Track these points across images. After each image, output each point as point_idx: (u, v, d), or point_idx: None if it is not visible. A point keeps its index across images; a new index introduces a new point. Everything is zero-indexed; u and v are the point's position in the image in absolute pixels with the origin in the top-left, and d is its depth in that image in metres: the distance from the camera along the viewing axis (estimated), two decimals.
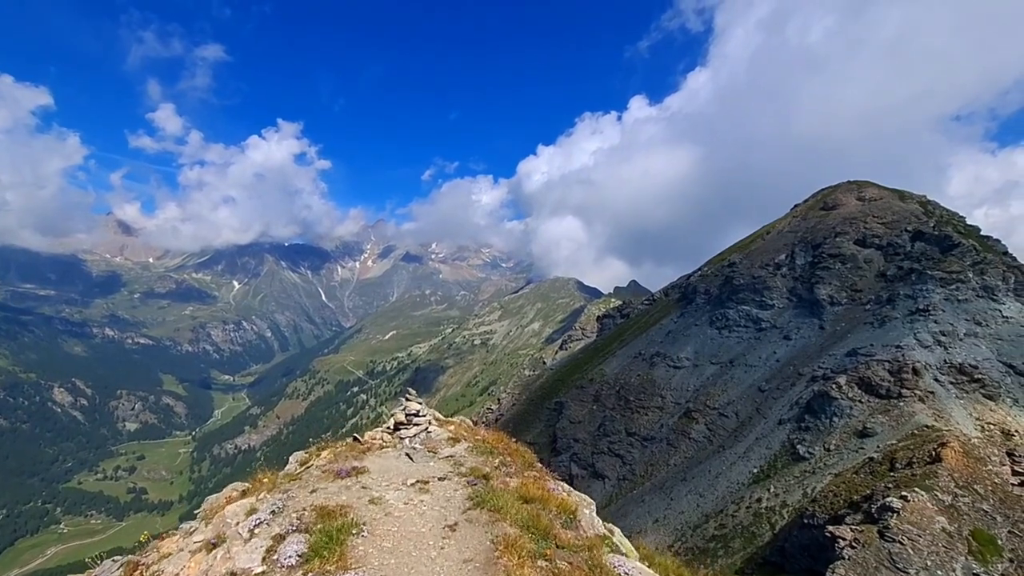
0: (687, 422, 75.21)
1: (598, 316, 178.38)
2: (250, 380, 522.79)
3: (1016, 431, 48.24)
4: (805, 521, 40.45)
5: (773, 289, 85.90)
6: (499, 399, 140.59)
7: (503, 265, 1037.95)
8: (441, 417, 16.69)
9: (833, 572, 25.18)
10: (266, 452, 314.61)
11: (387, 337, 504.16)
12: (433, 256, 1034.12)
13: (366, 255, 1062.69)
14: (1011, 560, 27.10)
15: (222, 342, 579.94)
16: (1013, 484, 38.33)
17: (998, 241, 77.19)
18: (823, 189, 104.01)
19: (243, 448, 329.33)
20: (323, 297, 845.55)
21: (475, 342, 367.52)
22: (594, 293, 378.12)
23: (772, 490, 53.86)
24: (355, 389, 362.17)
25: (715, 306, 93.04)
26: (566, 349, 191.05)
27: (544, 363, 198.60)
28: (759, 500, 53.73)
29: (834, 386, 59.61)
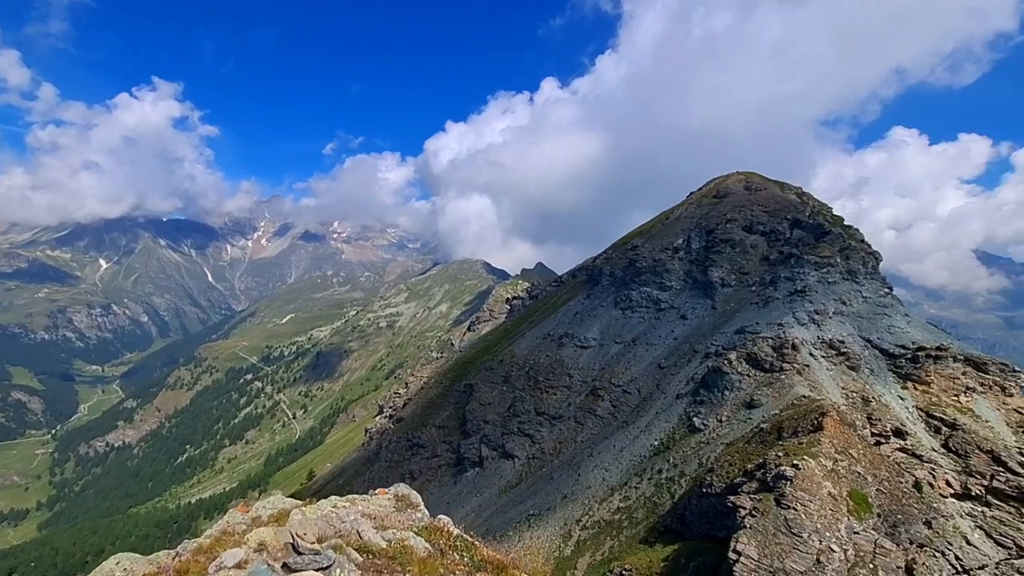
0: (593, 400, 77.63)
1: (507, 298, 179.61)
2: (123, 370, 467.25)
3: (872, 397, 54.74)
4: (703, 490, 42.88)
5: (672, 272, 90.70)
6: (406, 383, 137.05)
7: (410, 246, 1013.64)
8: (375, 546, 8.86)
9: (737, 541, 26.50)
10: (145, 449, 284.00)
11: (284, 321, 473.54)
12: (335, 235, 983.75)
13: (260, 233, 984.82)
14: (878, 515, 30.33)
15: (87, 328, 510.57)
16: (873, 444, 43.37)
17: (857, 230, 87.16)
18: (715, 178, 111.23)
19: (116, 445, 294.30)
20: (210, 278, 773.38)
21: (381, 324, 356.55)
22: (502, 275, 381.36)
23: (671, 461, 57.00)
24: (248, 376, 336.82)
25: (619, 288, 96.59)
26: (475, 331, 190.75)
27: (452, 345, 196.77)
28: (660, 471, 56.63)
29: (725, 362, 64.07)
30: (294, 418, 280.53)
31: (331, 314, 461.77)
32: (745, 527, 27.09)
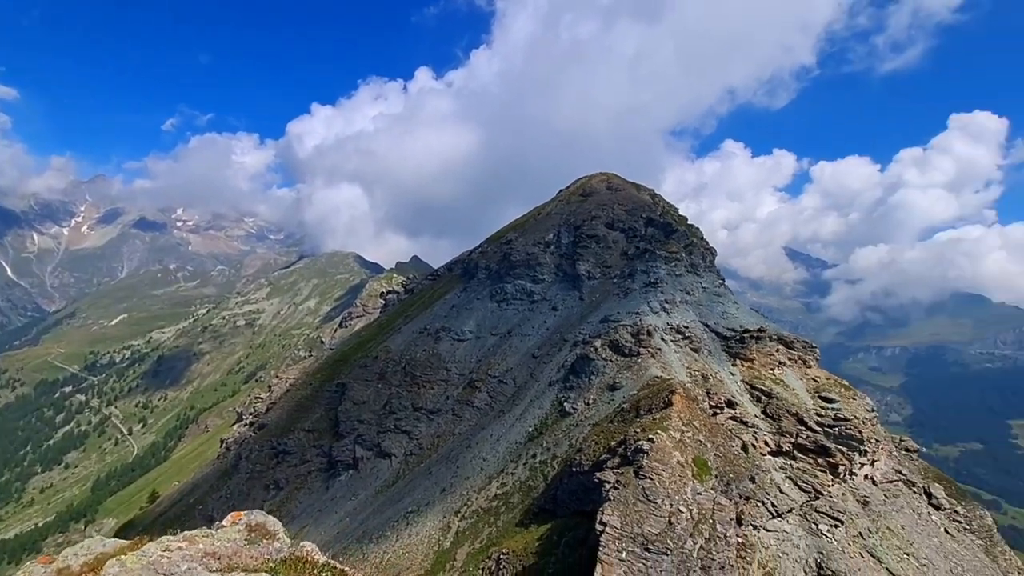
0: (471, 392, 78.93)
1: (381, 292, 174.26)
2: None
3: (710, 375, 62.94)
4: (573, 469, 46.06)
5: (544, 265, 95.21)
6: (270, 386, 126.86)
7: (271, 237, 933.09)
8: None
9: (602, 513, 29.09)
10: None
11: (115, 322, 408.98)
12: (180, 224, 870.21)
13: (79, 219, 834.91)
14: (716, 476, 35.28)
15: None
16: (711, 416, 50.08)
17: (698, 229, 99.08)
18: (581, 178, 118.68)
19: None
20: (9, 272, 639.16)
21: (238, 323, 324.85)
22: (376, 268, 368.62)
23: (544, 445, 60.23)
24: (67, 389, 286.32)
25: (495, 281, 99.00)
26: (347, 327, 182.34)
27: (322, 343, 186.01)
28: (534, 456, 59.54)
29: (592, 349, 69.11)
30: (130, 434, 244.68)
31: (176, 313, 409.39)
32: (609, 499, 29.84)
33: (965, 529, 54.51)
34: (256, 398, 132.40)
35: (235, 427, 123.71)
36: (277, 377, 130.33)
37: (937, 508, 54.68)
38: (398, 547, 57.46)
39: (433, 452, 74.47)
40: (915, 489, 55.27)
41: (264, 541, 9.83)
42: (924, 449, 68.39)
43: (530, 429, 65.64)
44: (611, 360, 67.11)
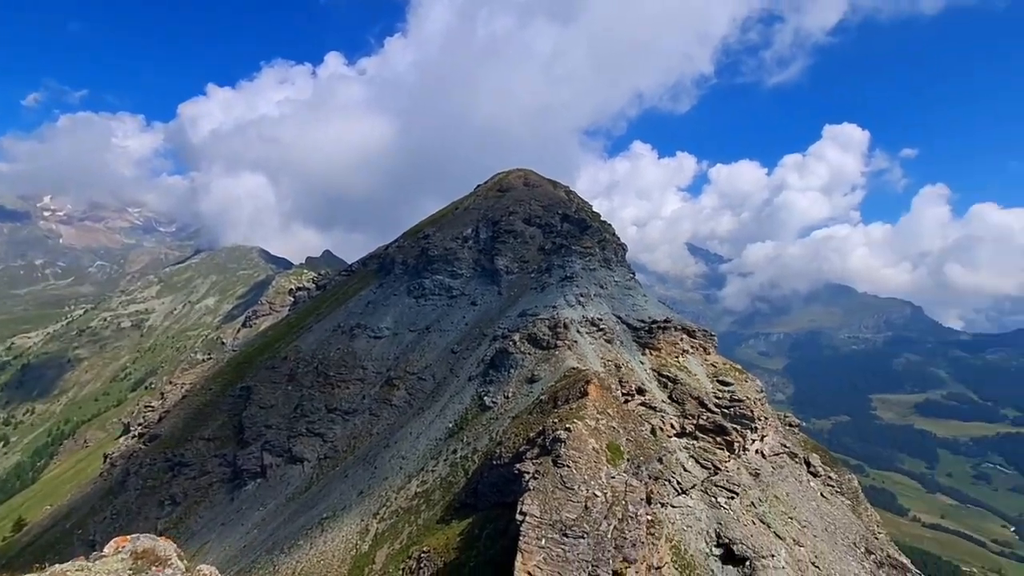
0: (389, 390, 77.13)
1: (290, 289, 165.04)
2: None
3: (622, 364, 66.21)
4: (494, 462, 46.55)
5: (462, 260, 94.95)
6: (162, 392, 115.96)
7: (161, 229, 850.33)
8: None
9: (523, 503, 29.73)
10: None
11: None
12: (47, 214, 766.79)
13: None
14: (628, 460, 37.30)
15: None
16: (623, 403, 52.75)
17: (610, 225, 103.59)
18: (499, 173, 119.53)
19: None
20: None
21: (123, 325, 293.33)
22: (283, 263, 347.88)
23: (465, 440, 60.31)
24: None
25: (412, 276, 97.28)
26: (251, 327, 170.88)
27: (223, 344, 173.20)
28: (455, 451, 59.43)
29: (511, 343, 70.06)
30: None
31: (44, 315, 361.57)
32: (529, 489, 30.56)
33: (837, 492, 61.92)
34: (147, 406, 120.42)
35: (122, 440, 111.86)
36: (171, 383, 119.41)
37: (814, 475, 61.60)
38: (312, 555, 55.03)
39: (349, 454, 71.99)
40: (797, 460, 61.82)
41: (153, 569, 8.92)
42: (804, 424, 76.71)
43: (450, 425, 65.43)
44: (529, 353, 68.42)
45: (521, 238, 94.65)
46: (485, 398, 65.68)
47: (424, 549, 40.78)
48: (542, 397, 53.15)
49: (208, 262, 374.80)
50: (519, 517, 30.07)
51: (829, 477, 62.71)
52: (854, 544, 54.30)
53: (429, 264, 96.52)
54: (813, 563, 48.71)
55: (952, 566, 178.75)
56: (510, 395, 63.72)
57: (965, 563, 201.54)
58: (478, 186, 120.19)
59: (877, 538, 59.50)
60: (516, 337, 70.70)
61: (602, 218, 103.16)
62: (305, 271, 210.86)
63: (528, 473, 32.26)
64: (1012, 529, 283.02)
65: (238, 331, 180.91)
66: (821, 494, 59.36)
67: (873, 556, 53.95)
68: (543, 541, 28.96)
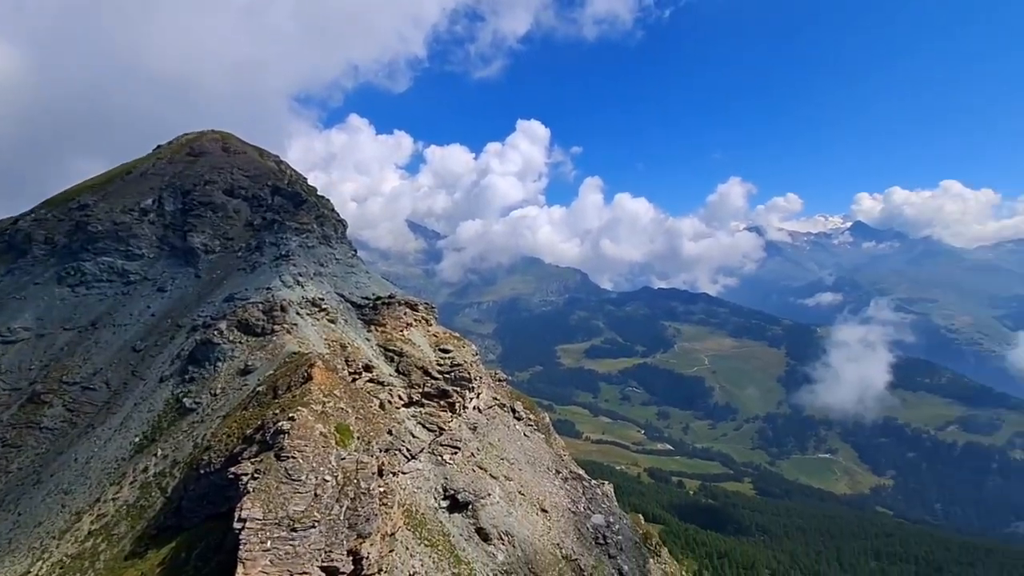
0: (35, 409, 58.22)
1: None
2: None
3: (348, 343, 65.19)
4: (201, 471, 40.43)
5: (141, 237, 77.25)
6: None
7: None
8: None
9: (241, 508, 26.81)
10: None
11: None
12: None
13: None
14: (358, 438, 37.42)
15: None
16: (351, 382, 52.25)
17: (328, 200, 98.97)
18: (188, 134, 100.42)
19: None
20: None
21: None
22: None
23: (160, 453, 50.45)
24: None
25: (64, 258, 74.50)
26: None
27: None
28: (145, 470, 49.20)
29: (216, 332, 61.05)
30: None
31: None
32: (249, 491, 27.77)
33: (535, 430, 74.93)
34: None
35: None
36: None
37: (519, 419, 73.10)
38: None
39: None
40: (505, 409, 72.19)
41: None
42: (509, 377, 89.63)
43: (137, 439, 53.66)
44: (240, 342, 60.95)
45: (223, 212, 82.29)
46: (185, 399, 55.94)
47: None
48: (259, 389, 48.39)
49: None
50: (237, 525, 27.13)
51: (529, 419, 75.26)
52: (548, 468, 67.00)
53: (91, 242, 75.34)
54: (520, 492, 58.29)
55: (608, 467, 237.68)
56: (218, 392, 55.85)
57: (617, 463, 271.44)
58: (159, 147, 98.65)
59: (563, 459, 74.67)
60: (223, 325, 61.97)
61: (319, 192, 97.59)
62: None
63: (246, 474, 29.23)
64: (643, 432, 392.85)
65: None
66: (524, 434, 70.93)
67: (561, 474, 67.66)
68: (268, 543, 26.91)
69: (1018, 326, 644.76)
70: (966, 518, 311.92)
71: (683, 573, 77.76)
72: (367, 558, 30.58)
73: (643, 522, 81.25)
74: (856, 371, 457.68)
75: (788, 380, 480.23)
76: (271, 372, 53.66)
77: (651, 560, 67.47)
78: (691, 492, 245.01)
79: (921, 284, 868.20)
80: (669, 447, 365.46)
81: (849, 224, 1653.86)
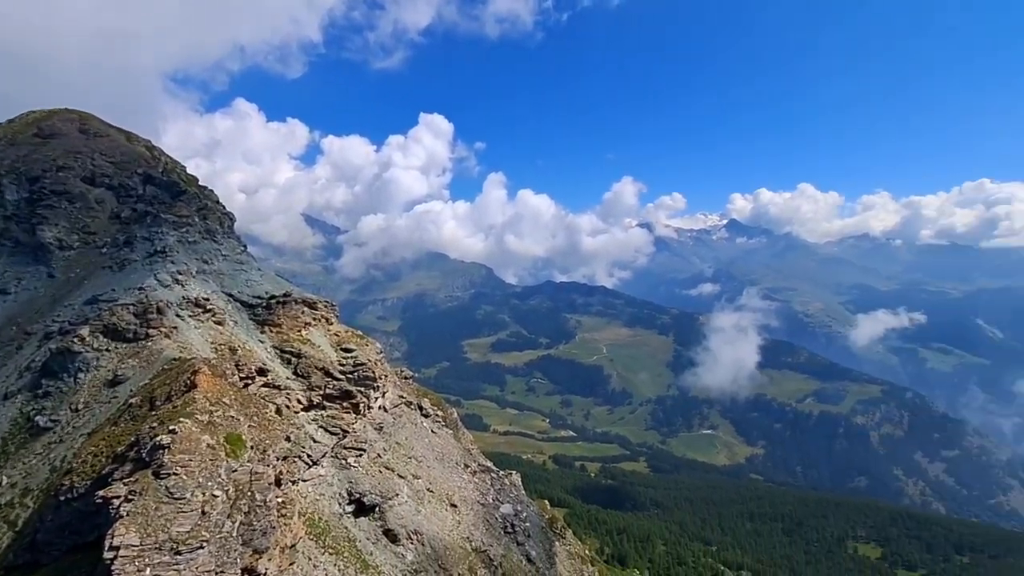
0: None
1: None
2: None
3: (238, 346, 60.46)
4: (61, 498, 35.49)
5: None
6: None
7: None
8: None
9: (112, 536, 23.95)
10: None
11: None
12: None
13: None
14: (252, 447, 34.91)
15: None
16: (243, 387, 48.59)
17: (212, 191, 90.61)
18: (35, 112, 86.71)
19: None
20: None
21: None
22: None
23: (6, 482, 43.57)
24: None
25: None
26: None
27: None
28: None
29: (76, 339, 53.75)
30: None
31: None
32: (121, 516, 24.90)
33: (443, 426, 74.65)
34: None
35: None
36: None
37: (426, 416, 72.41)
38: None
39: None
40: (412, 406, 71.15)
41: None
42: (416, 374, 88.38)
43: None
44: (108, 349, 54.24)
45: (82, 202, 72.37)
46: (38, 418, 48.74)
47: None
48: (132, 401, 43.36)
49: None
50: (108, 554, 24.23)
51: (437, 415, 74.82)
52: (457, 463, 67.18)
53: None
54: (429, 489, 57.92)
55: (516, 457, 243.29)
56: (80, 407, 49.35)
57: (524, 453, 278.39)
58: None
59: (472, 453, 75.20)
60: (85, 331, 54.70)
61: (200, 182, 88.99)
62: None
63: (118, 497, 26.16)
64: (547, 421, 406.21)
65: None
66: (432, 431, 70.43)
67: (470, 468, 68.14)
68: (148, 571, 24.35)
69: (858, 310, 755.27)
70: (820, 477, 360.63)
71: (586, 552, 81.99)
72: (264, 574, 28.84)
73: (549, 507, 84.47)
74: (731, 353, 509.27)
75: (675, 364, 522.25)
76: (146, 382, 48.36)
77: (557, 543, 70.36)
78: (592, 475, 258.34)
79: (783, 275, 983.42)
80: (572, 433, 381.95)
81: (725, 221, 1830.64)
